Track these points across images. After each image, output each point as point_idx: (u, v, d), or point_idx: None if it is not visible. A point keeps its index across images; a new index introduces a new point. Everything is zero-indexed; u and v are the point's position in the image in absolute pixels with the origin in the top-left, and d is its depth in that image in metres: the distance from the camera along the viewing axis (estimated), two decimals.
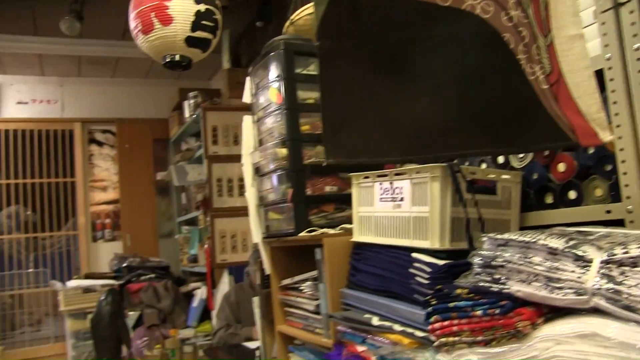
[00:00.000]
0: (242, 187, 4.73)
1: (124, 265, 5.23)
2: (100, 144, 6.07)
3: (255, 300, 2.57)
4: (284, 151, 2.20)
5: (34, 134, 5.82)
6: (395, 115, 1.53)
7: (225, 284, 4.53)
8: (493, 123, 1.37)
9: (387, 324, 1.67)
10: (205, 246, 4.86)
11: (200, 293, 4.88)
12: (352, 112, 1.62)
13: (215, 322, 4.44)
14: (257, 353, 2.57)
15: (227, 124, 4.79)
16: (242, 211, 4.74)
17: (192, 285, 5.12)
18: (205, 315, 4.81)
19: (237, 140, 4.80)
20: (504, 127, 1.35)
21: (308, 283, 2.13)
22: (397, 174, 1.76)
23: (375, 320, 1.70)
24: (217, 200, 4.67)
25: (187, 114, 5.34)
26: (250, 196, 2.57)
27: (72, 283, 5.01)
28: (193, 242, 5.35)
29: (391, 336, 1.64)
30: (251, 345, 3.50)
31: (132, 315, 4.78)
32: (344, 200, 2.24)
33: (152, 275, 5.14)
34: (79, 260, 5.86)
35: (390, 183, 1.78)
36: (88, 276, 5.22)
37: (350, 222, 2.11)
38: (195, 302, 4.87)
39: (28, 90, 5.86)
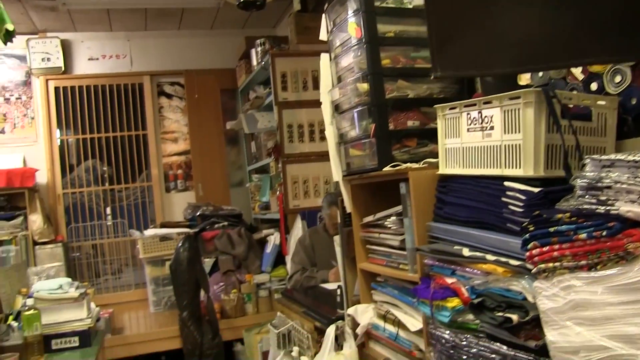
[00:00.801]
0: (312, 133, 4.75)
1: (198, 214, 5.34)
2: (169, 96, 6.15)
3: (336, 239, 2.58)
4: (365, 86, 2.17)
5: (105, 89, 5.94)
6: (505, 24, 1.44)
7: (298, 228, 4.58)
8: (608, 30, 1.30)
9: (479, 254, 1.65)
10: (277, 193, 4.91)
11: (274, 239, 4.95)
12: (459, 20, 1.53)
13: (289, 267, 4.52)
14: (338, 292, 2.59)
15: (296, 70, 4.78)
16: (314, 157, 4.81)
17: (265, 231, 5.20)
18: (279, 260, 4.90)
19: (306, 86, 4.79)
20: (620, 35, 1.28)
21: (393, 219, 2.12)
22: (485, 102, 1.72)
23: (466, 252, 1.69)
24: (288, 147, 4.69)
25: (254, 62, 5.34)
26: (330, 134, 2.56)
27: (150, 232, 5.16)
28: (264, 189, 5.41)
29: (483, 266, 1.63)
30: (328, 286, 3.55)
31: (207, 262, 4.92)
32: (426, 135, 2.21)
33: (225, 223, 5.24)
34: (153, 210, 6.02)
35: (479, 112, 1.74)
36: (163, 225, 5.36)
37: (433, 157, 2.09)
38: (269, 248, 4.95)
39: (97, 46, 5.96)
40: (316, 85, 4.81)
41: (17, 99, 5.70)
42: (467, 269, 1.70)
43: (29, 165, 5.49)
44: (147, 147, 6.04)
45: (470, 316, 1.65)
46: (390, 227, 2.16)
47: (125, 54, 6.02)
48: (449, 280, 1.73)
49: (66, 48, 5.82)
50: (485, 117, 1.71)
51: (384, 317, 2.27)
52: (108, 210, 5.96)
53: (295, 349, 2.95)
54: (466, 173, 1.79)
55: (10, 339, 2.95)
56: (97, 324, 3.41)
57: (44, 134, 5.69)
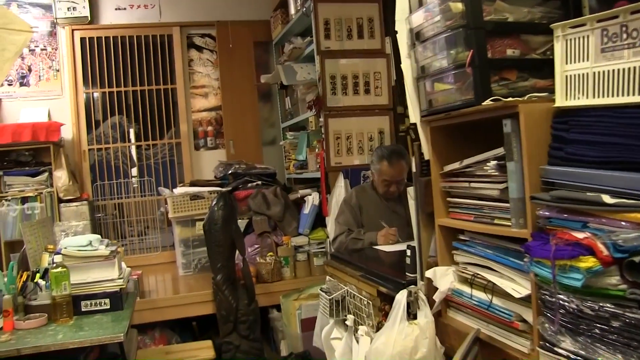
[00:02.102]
0: (356, 85, 4.40)
1: (230, 172, 5.04)
2: (199, 48, 5.81)
3: (410, 191, 2.25)
4: (459, 6, 1.81)
5: (132, 41, 5.60)
6: None
7: (340, 187, 4.26)
8: None
9: (626, 201, 1.31)
10: (317, 150, 4.58)
11: (312, 199, 4.63)
12: None
13: (331, 228, 4.21)
14: (408, 252, 2.26)
15: (340, 17, 4.41)
16: (358, 111, 4.46)
17: (301, 191, 4.87)
18: (317, 222, 4.58)
19: (350, 35, 4.43)
20: None
21: (492, 163, 1.77)
22: (634, 12, 1.36)
23: (608, 199, 1.34)
24: (331, 99, 4.35)
25: (292, 10, 4.99)
26: (407, 68, 2.21)
27: (180, 190, 4.86)
28: (301, 147, 5.08)
29: (631, 216, 1.29)
30: (383, 248, 3.23)
31: (240, 223, 4.60)
32: (526, 67, 1.86)
33: (259, 182, 4.93)
34: (182, 169, 5.72)
35: (622, 26, 1.38)
36: (194, 183, 5.06)
37: (535, 92, 1.75)
38: (307, 209, 4.63)
39: None
40: (361, 34, 4.46)
41: (42, 50, 5.40)
42: (605, 220, 1.36)
43: (54, 119, 5.21)
44: (175, 102, 5.72)
45: (612, 279, 1.31)
46: (485, 175, 1.82)
47: (153, 3, 5.67)
48: (579, 235, 1.39)
49: None
50: (633, 30, 1.35)
51: (471, 282, 1.94)
52: (134, 168, 5.67)
53: (350, 317, 2.64)
54: (600, 103, 1.44)
55: (38, 298, 2.68)
56: (127, 286, 3.13)
57: (70, 87, 5.39)
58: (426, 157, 2.13)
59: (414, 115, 2.19)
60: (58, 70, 5.40)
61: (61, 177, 4.87)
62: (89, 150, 5.46)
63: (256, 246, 4.46)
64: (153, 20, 5.65)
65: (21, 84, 5.33)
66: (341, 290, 2.71)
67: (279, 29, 5.40)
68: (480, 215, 1.90)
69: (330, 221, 4.32)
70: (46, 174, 4.89)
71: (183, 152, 5.72)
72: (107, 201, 5.45)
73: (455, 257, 2.08)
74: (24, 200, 4.77)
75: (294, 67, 4.75)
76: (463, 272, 2.01)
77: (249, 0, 5.82)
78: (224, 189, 4.67)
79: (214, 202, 4.01)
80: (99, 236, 2.97)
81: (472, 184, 1.91)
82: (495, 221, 1.82)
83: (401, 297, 2.14)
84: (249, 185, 4.92)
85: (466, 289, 1.97)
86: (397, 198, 3.67)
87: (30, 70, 5.36)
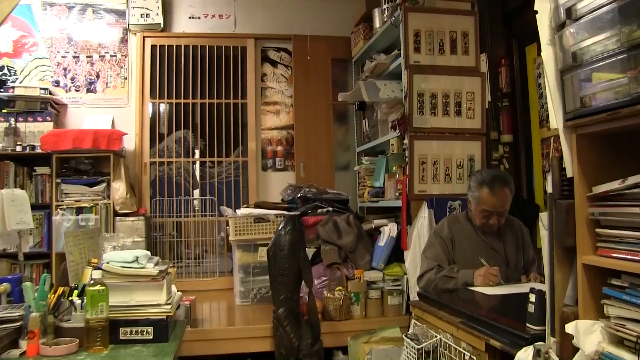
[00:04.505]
0: (446, 105, 3.92)
1: (299, 195, 4.60)
2: (274, 63, 5.45)
3: (543, 217, 1.73)
4: None
5: (205, 51, 5.30)
6: None
7: (423, 218, 3.75)
8: None
9: None
10: (397, 176, 4.10)
11: (388, 230, 4.12)
12: None
13: (411, 263, 3.72)
14: (532, 298, 1.74)
15: (431, 29, 3.97)
16: (448, 133, 3.95)
17: (376, 221, 4.38)
18: (393, 256, 4.07)
19: (442, 49, 3.97)
20: None
21: None
22: None
23: None
24: (418, 119, 3.87)
25: (377, 23, 4.60)
26: (549, 58, 1.71)
27: (243, 211, 4.45)
28: (378, 172, 4.60)
29: None
30: (484, 290, 2.70)
31: (307, 252, 4.13)
32: None
33: (330, 209, 4.47)
34: (247, 190, 5.32)
35: None
36: (258, 205, 4.63)
37: None
38: (382, 241, 4.13)
39: (200, 3, 5.35)
40: (454, 50, 4.00)
41: (111, 56, 5.18)
42: None
43: (118, 128, 4.93)
44: (245, 118, 5.35)
45: None
46: None
47: (229, 13, 5.37)
48: None
49: (167, 4, 5.26)
50: None
51: (633, 346, 1.40)
52: (197, 185, 5.31)
53: None
54: None
55: (72, 319, 2.26)
56: (176, 313, 2.69)
57: (137, 96, 5.13)
58: (569, 174, 1.62)
59: (555, 118, 1.68)
60: (126, 78, 5.15)
61: (119, 189, 4.55)
62: (151, 163, 5.14)
63: (324, 278, 3.97)
64: (227, 30, 5.36)
65: (88, 90, 5.12)
66: (433, 339, 2.19)
67: (361, 45, 5.00)
68: None
69: (408, 256, 3.81)
70: (104, 184, 4.59)
71: (249, 172, 5.33)
72: (165, 219, 5.09)
73: (605, 309, 1.54)
74: (79, 210, 4.47)
75: (376, 84, 4.31)
76: (617, 329, 1.48)
77: (329, 15, 5.46)
78: (292, 213, 4.22)
79: (280, 226, 3.57)
80: (147, 252, 2.54)
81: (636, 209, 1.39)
82: None
83: (525, 356, 1.62)
84: (319, 211, 4.47)
85: (624, 354, 1.43)
86: (495, 232, 3.14)
87: (98, 76, 5.14)
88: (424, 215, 3.77)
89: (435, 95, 3.92)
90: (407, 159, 3.90)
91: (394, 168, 4.24)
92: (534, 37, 3.92)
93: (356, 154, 5.37)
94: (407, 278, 3.84)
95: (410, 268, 3.78)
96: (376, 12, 4.60)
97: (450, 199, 3.82)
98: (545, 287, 1.73)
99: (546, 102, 3.87)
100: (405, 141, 3.91)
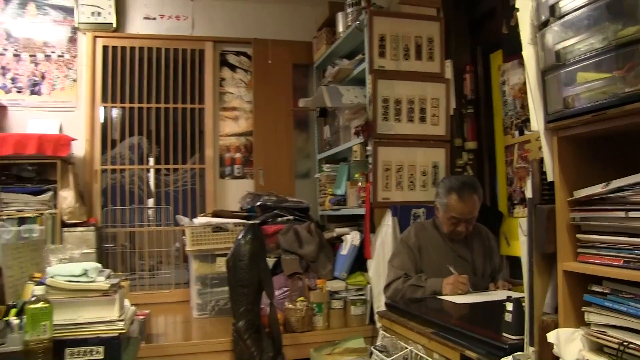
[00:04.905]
0: (411, 112, 3.83)
1: (258, 203, 4.45)
2: (233, 67, 5.28)
3: (522, 222, 1.63)
4: None
5: (160, 54, 5.09)
6: None
7: (387, 226, 3.65)
8: None
9: None
10: (359, 184, 3.99)
11: (350, 239, 4.01)
12: None
13: (375, 272, 3.61)
14: (508, 307, 1.64)
15: (397, 34, 3.88)
16: (412, 140, 3.86)
17: (338, 230, 4.27)
18: (356, 265, 3.96)
19: (407, 55, 3.88)
20: None
21: None
22: None
23: None
24: (382, 125, 3.77)
25: (340, 27, 4.49)
26: (530, 58, 1.61)
27: (201, 220, 4.28)
28: (340, 180, 4.48)
29: None
30: (454, 299, 2.59)
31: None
32: None
33: (291, 217, 4.34)
34: (204, 198, 5.14)
35: None
36: (216, 214, 4.46)
37: None
38: (345, 250, 4.01)
39: (156, 3, 5.13)
40: (419, 55, 3.92)
41: (59, 56, 4.89)
42: None
43: (66, 134, 4.64)
44: (202, 124, 5.17)
45: None
46: None
47: (186, 15, 5.18)
48: None
49: (120, 3, 5.00)
50: None
51: (615, 353, 1.31)
52: (151, 194, 5.10)
53: None
54: None
55: (7, 342, 2.05)
56: (130, 329, 2.50)
57: (86, 99, 4.86)
58: (549, 178, 1.52)
59: (535, 120, 1.58)
60: (75, 80, 4.88)
61: (67, 197, 4.30)
62: (102, 171, 4.89)
63: (285, 289, 3.83)
64: (185, 32, 5.15)
65: (32, 92, 4.79)
66: (404, 351, 2.07)
67: (323, 50, 4.88)
68: (639, 259, 1.29)
69: (372, 265, 3.70)
70: (50, 193, 4.30)
71: (207, 179, 5.14)
72: (117, 229, 4.86)
73: (586, 316, 1.45)
74: (22, 221, 4.14)
75: (339, 89, 4.20)
76: (599, 337, 1.39)
77: (291, 19, 5.33)
78: (252, 222, 4.06)
79: (240, 235, 3.41)
80: (98, 265, 2.36)
81: (632, 214, 1.29)
82: None
83: None
84: (279, 219, 4.34)
85: None
86: (463, 240, 3.05)
87: (43, 77, 4.83)
88: (387, 223, 3.66)
89: (400, 101, 3.83)
90: (370, 165, 3.80)
91: (357, 175, 4.13)
92: (499, 45, 3.92)
93: (317, 162, 5.24)
94: (370, 287, 3.73)
95: (374, 277, 3.67)
96: (340, 16, 4.49)
97: (414, 206, 3.73)
98: (520, 295, 1.64)
99: (510, 110, 3.85)
100: (369, 147, 3.81)
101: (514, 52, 3.67)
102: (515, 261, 3.96)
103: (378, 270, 3.63)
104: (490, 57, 4.10)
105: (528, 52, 1.62)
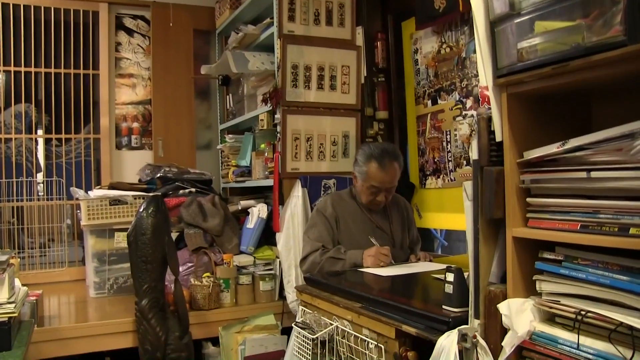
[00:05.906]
0: (321, 79, 3.71)
1: (158, 175, 4.22)
2: (130, 32, 4.96)
3: (467, 186, 1.55)
4: None
5: (49, 14, 4.68)
6: None
7: (297, 197, 3.54)
8: None
9: None
10: (265, 154, 3.85)
11: (257, 212, 3.87)
12: None
13: (284, 245, 3.49)
14: (449, 277, 1.56)
15: None
16: (322, 109, 3.75)
17: (243, 202, 4.12)
18: (263, 239, 3.83)
19: (318, 20, 3.74)
20: None
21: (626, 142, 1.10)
22: None
23: None
24: (291, 93, 3.63)
25: None
26: (478, 7, 1.52)
27: (97, 192, 3.99)
28: (245, 151, 4.32)
29: None
30: (375, 272, 2.51)
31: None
32: None
33: (193, 190, 4.14)
34: (100, 170, 4.82)
35: None
36: (113, 187, 4.19)
37: None
38: (251, 223, 3.86)
39: None
40: (330, 21, 3.79)
41: None
42: None
43: None
44: (97, 91, 4.83)
45: None
46: (623, 161, 1.15)
47: None
48: None
49: None
50: None
51: (572, 323, 1.26)
52: (41, 165, 4.72)
53: None
54: None
55: None
56: (21, 312, 2.26)
57: None
58: (497, 137, 1.44)
59: (484, 75, 1.49)
60: None
61: None
62: None
63: (190, 264, 3.65)
64: None
65: None
66: (329, 327, 1.96)
67: (227, 15, 4.66)
68: (598, 222, 1.23)
69: (281, 238, 3.57)
70: None
71: (102, 150, 4.82)
72: (3, 204, 4.46)
73: (538, 285, 1.39)
74: None
75: (245, 55, 4.02)
76: (552, 307, 1.33)
77: None
78: (153, 194, 3.83)
79: (142, 208, 3.19)
80: None
81: (594, 174, 1.23)
82: (632, 231, 1.15)
83: (448, 342, 1.44)
84: (181, 192, 4.12)
85: (558, 331, 1.28)
86: (381, 211, 2.98)
87: None
88: (297, 195, 3.54)
89: (310, 68, 3.70)
90: (279, 135, 3.65)
91: (263, 145, 3.98)
92: (411, 13, 3.87)
93: (219, 132, 5.05)
94: (279, 262, 3.61)
95: (283, 251, 3.54)
96: None
97: (325, 177, 3.64)
98: (440, 267, 1.56)
99: (422, 79, 3.81)
100: (277, 116, 3.66)
101: (426, 19, 3.61)
102: (426, 234, 3.96)
103: (288, 243, 3.51)
104: (402, 25, 4.04)
105: (477, 1, 1.53)
